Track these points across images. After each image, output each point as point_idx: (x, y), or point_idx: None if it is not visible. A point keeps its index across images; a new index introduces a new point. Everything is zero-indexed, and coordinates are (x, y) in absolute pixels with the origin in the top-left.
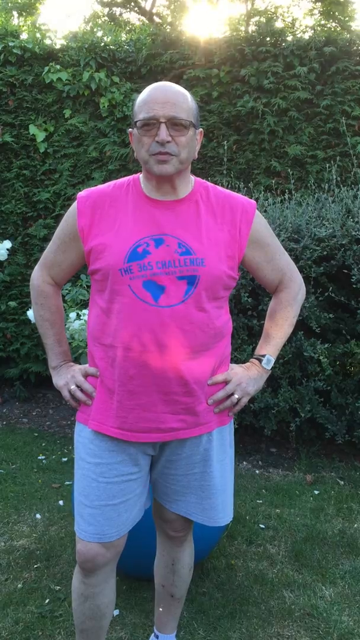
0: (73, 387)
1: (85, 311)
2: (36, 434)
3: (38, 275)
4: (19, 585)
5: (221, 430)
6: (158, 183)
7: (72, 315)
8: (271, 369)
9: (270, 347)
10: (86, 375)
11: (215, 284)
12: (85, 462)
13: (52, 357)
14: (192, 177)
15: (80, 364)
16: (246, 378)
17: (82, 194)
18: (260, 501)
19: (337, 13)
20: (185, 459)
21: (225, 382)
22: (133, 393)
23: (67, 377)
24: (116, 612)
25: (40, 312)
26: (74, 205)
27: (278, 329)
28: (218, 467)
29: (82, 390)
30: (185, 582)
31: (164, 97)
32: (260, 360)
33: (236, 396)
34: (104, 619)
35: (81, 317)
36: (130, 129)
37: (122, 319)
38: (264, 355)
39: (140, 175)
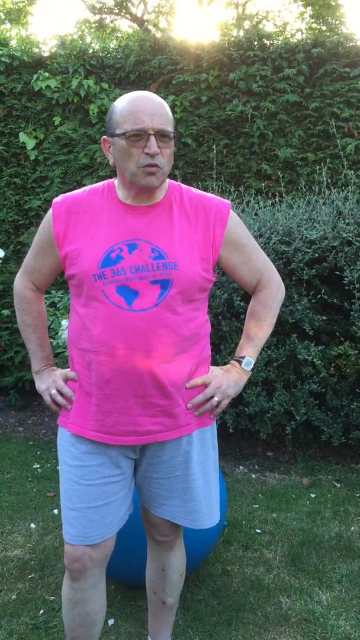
0: (54, 391)
1: None
2: (31, 443)
3: (19, 282)
4: (13, 597)
5: (202, 432)
6: (137, 193)
7: (65, 323)
8: (251, 370)
9: (250, 348)
10: (66, 380)
11: (190, 287)
12: (67, 465)
13: (34, 361)
14: (167, 181)
15: None
16: (226, 380)
17: (57, 199)
18: (257, 506)
19: (327, 17)
20: (167, 462)
21: (205, 385)
22: (110, 397)
23: (48, 382)
24: (111, 622)
25: (23, 317)
26: (50, 211)
27: (258, 330)
28: (200, 469)
29: (62, 394)
30: (177, 589)
31: (152, 108)
32: (240, 362)
33: (216, 399)
34: (94, 626)
35: None
36: (105, 137)
37: (97, 324)
38: (243, 357)
39: (115, 181)
